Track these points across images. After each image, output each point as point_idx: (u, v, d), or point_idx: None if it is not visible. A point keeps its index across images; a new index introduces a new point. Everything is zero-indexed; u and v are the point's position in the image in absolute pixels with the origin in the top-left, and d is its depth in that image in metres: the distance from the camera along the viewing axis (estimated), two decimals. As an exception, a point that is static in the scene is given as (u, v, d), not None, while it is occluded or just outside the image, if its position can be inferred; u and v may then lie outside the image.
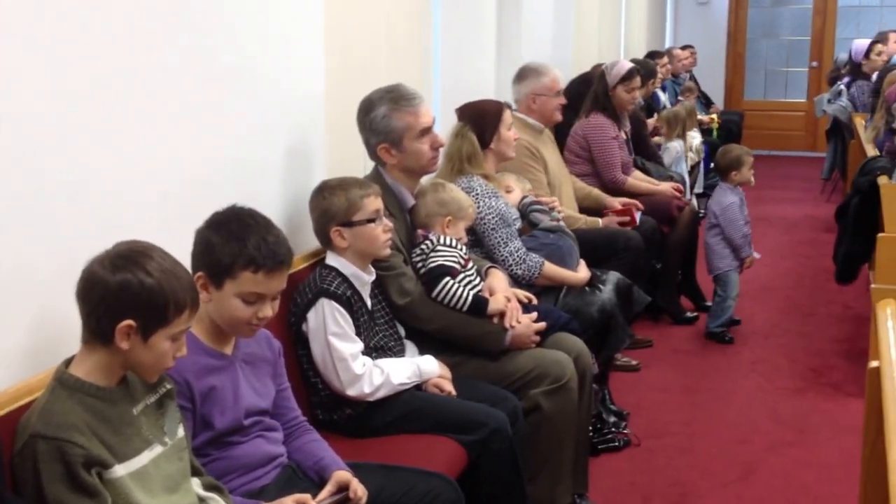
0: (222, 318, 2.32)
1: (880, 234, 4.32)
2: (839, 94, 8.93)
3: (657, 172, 6.44)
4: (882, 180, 4.90)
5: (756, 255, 5.57)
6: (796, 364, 5.13)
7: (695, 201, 7.34)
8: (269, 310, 2.33)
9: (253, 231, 2.29)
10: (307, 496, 2.28)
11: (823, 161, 9.93)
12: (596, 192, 5.38)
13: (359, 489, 2.39)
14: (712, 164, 8.40)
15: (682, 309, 5.84)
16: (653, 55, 9.30)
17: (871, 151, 6.09)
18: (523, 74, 4.98)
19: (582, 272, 3.94)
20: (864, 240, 5.09)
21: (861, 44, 8.94)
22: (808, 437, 4.23)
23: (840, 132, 9.04)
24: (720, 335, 5.48)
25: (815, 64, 12.96)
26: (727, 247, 5.44)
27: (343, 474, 2.44)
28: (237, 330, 2.36)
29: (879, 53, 8.68)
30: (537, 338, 3.34)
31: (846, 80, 9.00)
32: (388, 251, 3.04)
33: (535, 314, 3.38)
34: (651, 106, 8.34)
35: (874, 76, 7.92)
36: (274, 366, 2.52)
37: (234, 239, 2.27)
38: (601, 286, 3.91)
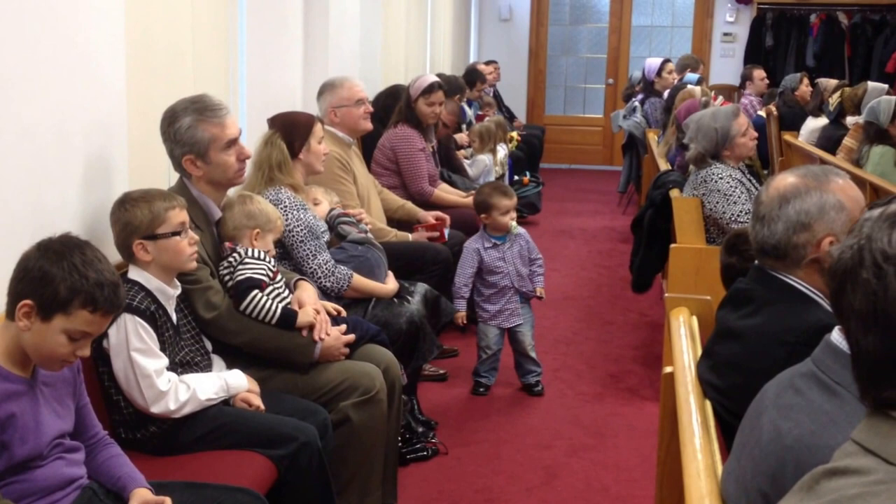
0: (38, 350, 2.21)
1: (673, 245, 4.47)
2: (634, 110, 9.29)
3: (464, 185, 6.55)
4: (674, 193, 5.07)
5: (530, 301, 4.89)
6: (596, 370, 5.31)
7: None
8: (88, 349, 2.26)
9: (94, 268, 2.20)
10: None
11: (620, 175, 10.27)
12: (409, 205, 5.41)
13: None
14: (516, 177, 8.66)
15: (487, 319, 5.93)
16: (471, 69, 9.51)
17: (664, 165, 6.34)
18: (321, 91, 4.97)
19: (390, 284, 3.98)
20: (657, 250, 5.30)
21: (653, 62, 9.31)
22: (608, 441, 4.38)
23: (635, 147, 9.37)
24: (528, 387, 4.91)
25: (611, 81, 13.44)
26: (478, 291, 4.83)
27: (143, 492, 2.38)
28: (48, 364, 2.26)
29: (670, 72, 9.14)
30: (346, 350, 3.35)
31: (640, 97, 9.36)
32: (193, 264, 2.98)
33: (344, 326, 3.38)
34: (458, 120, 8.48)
35: (666, 94, 8.28)
36: (73, 384, 2.42)
37: (76, 274, 2.17)
38: (409, 298, 3.96)
